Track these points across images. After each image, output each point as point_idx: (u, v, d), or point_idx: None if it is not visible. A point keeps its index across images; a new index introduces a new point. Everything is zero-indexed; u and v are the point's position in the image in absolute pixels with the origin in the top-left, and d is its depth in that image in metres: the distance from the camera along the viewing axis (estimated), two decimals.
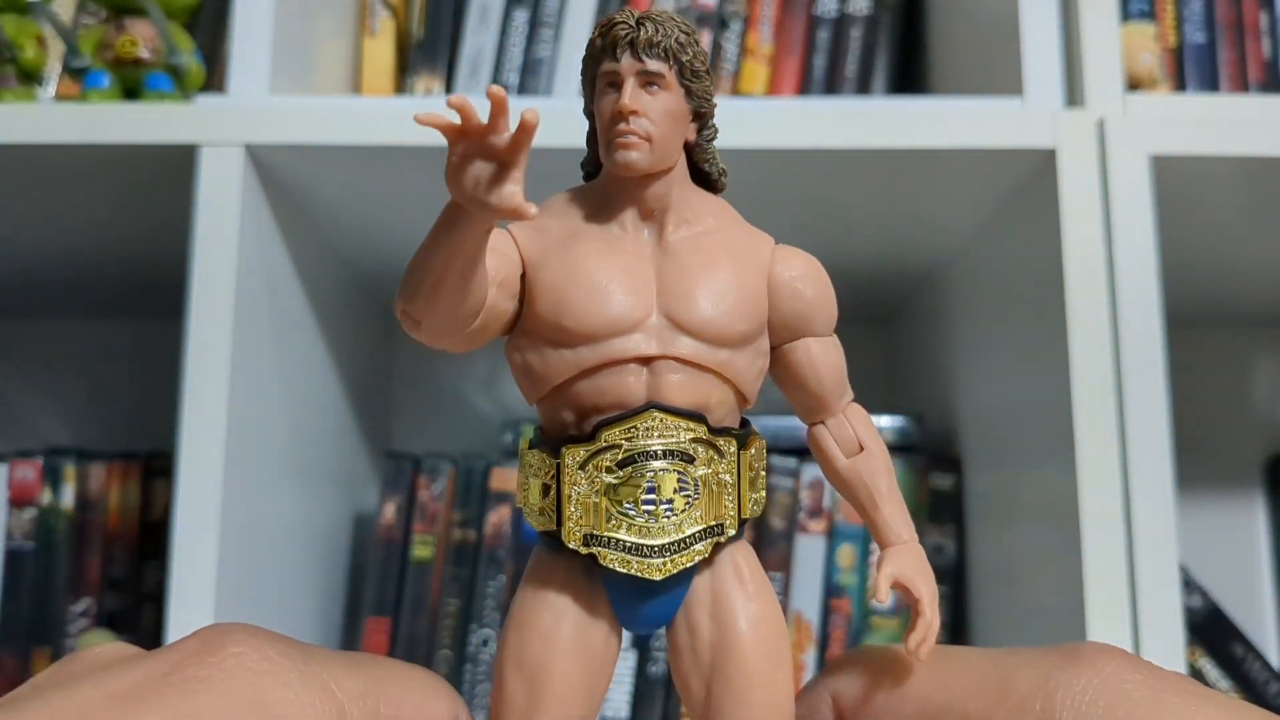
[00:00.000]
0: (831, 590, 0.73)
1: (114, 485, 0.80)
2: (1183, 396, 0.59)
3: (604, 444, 0.27)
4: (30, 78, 0.68)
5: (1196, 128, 0.58)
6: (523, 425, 0.78)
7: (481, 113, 0.23)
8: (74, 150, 0.59)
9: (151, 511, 0.82)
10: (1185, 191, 0.61)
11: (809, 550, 0.73)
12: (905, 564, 0.30)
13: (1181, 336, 0.64)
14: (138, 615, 0.80)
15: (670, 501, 0.27)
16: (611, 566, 0.27)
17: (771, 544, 0.73)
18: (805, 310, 0.30)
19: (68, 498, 0.79)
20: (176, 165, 0.59)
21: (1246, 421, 0.96)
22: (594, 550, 0.27)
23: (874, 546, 0.73)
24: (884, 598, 0.29)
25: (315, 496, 0.74)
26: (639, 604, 0.28)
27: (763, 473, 0.30)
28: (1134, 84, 0.69)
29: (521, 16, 0.81)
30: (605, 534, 0.27)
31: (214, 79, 0.73)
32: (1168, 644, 0.52)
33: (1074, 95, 0.60)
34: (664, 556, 0.27)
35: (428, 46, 0.82)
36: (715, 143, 0.31)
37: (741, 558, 0.29)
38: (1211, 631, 0.82)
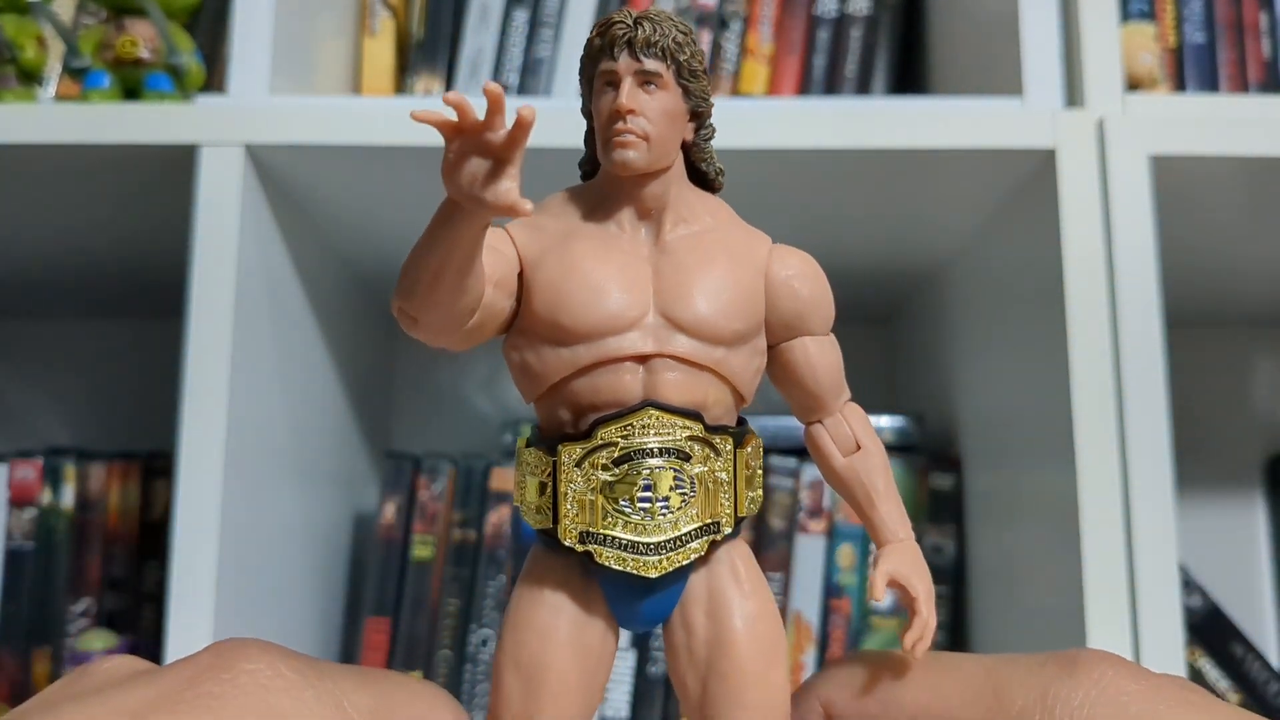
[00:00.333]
0: (831, 590, 0.73)
1: (114, 485, 0.80)
2: (1183, 396, 0.59)
3: (600, 441, 0.27)
4: (30, 78, 0.68)
5: (1196, 128, 0.58)
6: (522, 425, 0.78)
7: (478, 110, 0.23)
8: (74, 150, 0.59)
9: (151, 511, 0.82)
10: (1185, 191, 0.61)
11: (809, 550, 0.73)
12: (901, 562, 0.30)
13: (1181, 336, 0.64)
14: (138, 615, 0.80)
15: (666, 499, 0.27)
16: (607, 564, 0.27)
17: (771, 544, 0.73)
18: (802, 309, 0.30)
19: (68, 498, 0.79)
20: (176, 165, 0.59)
21: (1246, 421, 0.96)
22: (590, 548, 0.27)
23: (874, 546, 0.73)
24: (880, 596, 0.29)
25: (315, 496, 0.74)
26: (635, 602, 0.28)
27: (759, 471, 0.30)
28: (1134, 84, 0.69)
29: (521, 16, 0.81)
30: (601, 531, 0.27)
31: (214, 79, 0.73)
32: (1167, 644, 0.52)
33: (1074, 95, 0.60)
34: (659, 554, 0.27)
35: (428, 46, 0.82)
36: (713, 142, 0.31)
37: (738, 557, 0.29)
38: (1211, 631, 0.82)
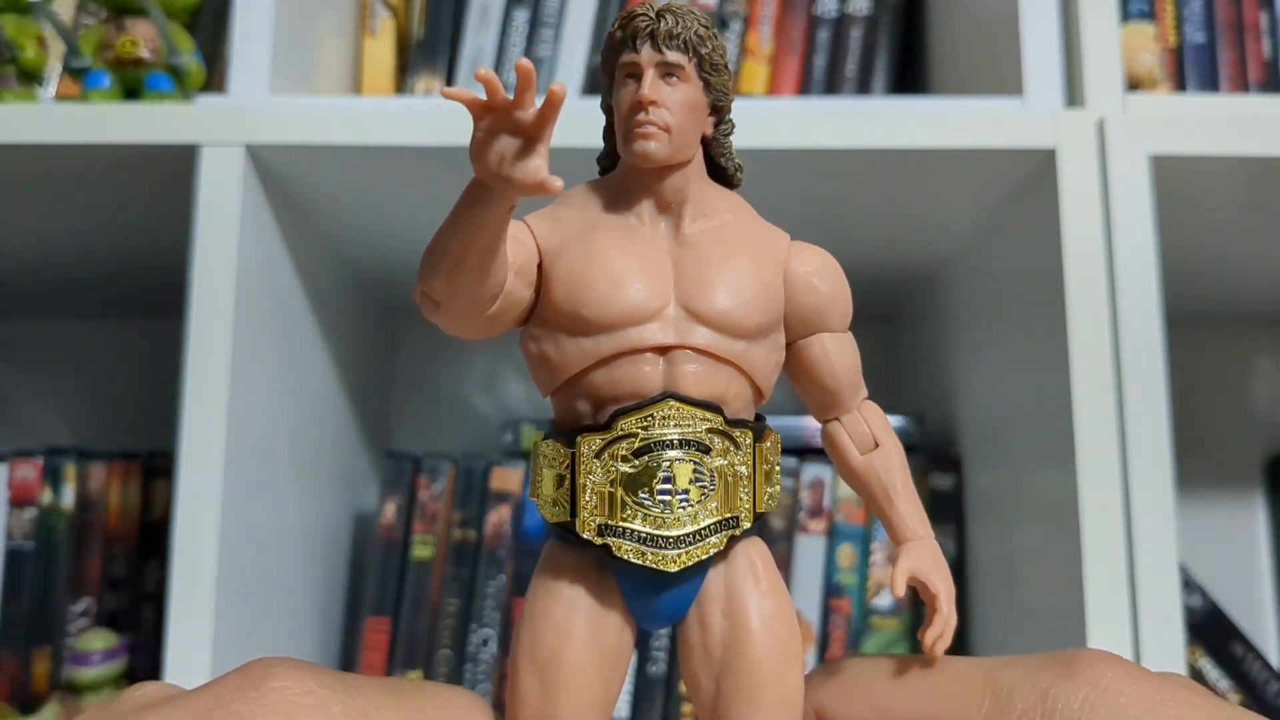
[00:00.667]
0: (831, 590, 0.73)
1: (114, 485, 0.80)
2: (1183, 396, 0.59)
3: (620, 433, 0.27)
4: (30, 78, 0.68)
5: (1196, 128, 0.58)
6: (522, 425, 0.78)
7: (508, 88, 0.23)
8: (74, 150, 0.59)
9: (151, 511, 0.82)
10: (1185, 191, 0.61)
11: (809, 550, 0.73)
12: (922, 559, 0.30)
13: (1181, 336, 0.64)
14: (138, 615, 0.80)
15: (686, 492, 0.27)
16: (626, 558, 0.27)
17: (771, 544, 0.73)
18: (821, 305, 0.30)
19: (68, 498, 0.79)
20: (176, 165, 0.59)
21: (1246, 421, 0.96)
22: (608, 540, 0.27)
23: (874, 547, 0.73)
24: (900, 591, 0.29)
25: (315, 496, 0.74)
26: (653, 597, 0.28)
27: (777, 467, 0.30)
28: (1134, 84, 0.69)
29: (521, 16, 0.81)
30: (620, 524, 0.27)
31: (214, 79, 0.73)
32: (1168, 644, 0.52)
33: (1074, 95, 0.60)
34: (679, 548, 0.27)
35: (428, 46, 0.82)
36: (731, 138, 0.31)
37: (757, 555, 0.29)
38: (1211, 631, 0.82)
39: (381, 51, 0.82)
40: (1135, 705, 0.25)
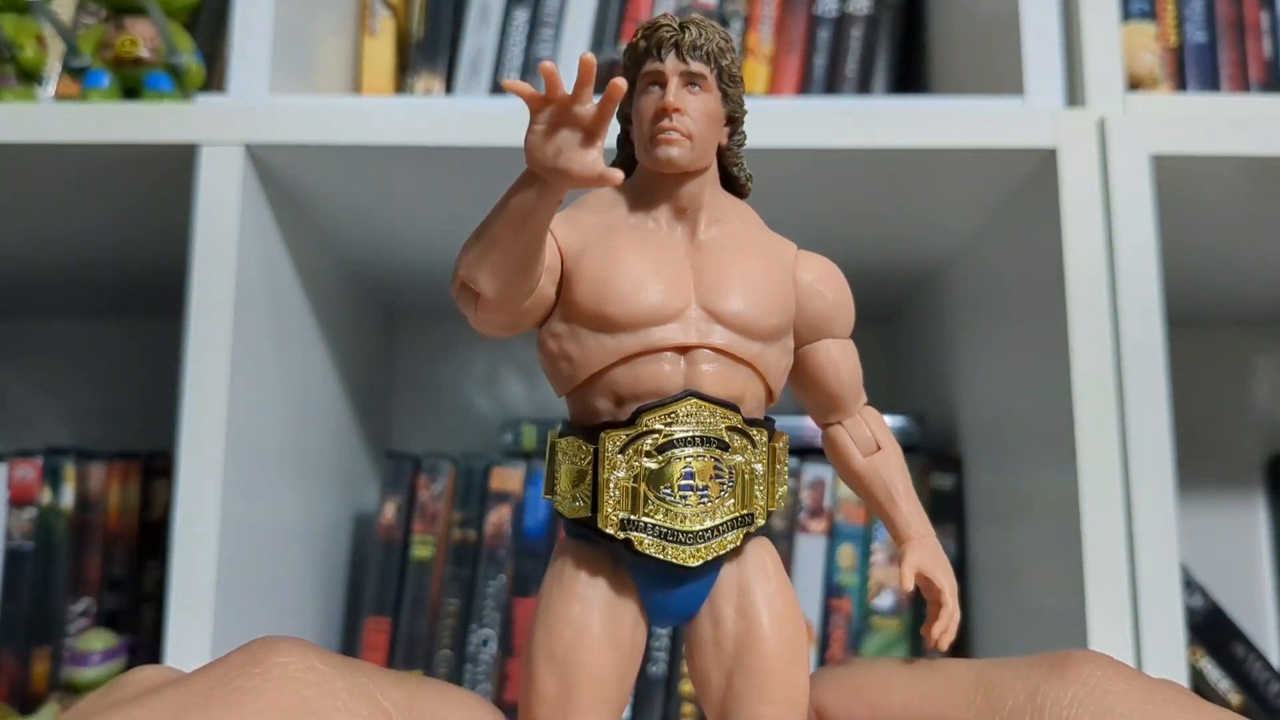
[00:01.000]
0: (832, 590, 0.73)
1: (114, 485, 0.80)
2: (1183, 396, 0.59)
3: (644, 429, 0.28)
4: (30, 77, 0.68)
5: (1197, 127, 0.58)
6: (522, 425, 0.78)
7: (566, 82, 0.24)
8: (74, 150, 0.59)
9: (151, 511, 0.82)
10: (1185, 191, 0.61)
11: (809, 550, 0.73)
12: (927, 557, 0.31)
13: (1181, 336, 0.64)
14: (138, 615, 0.80)
15: (706, 488, 0.28)
16: (647, 552, 0.28)
17: (772, 544, 0.73)
18: (827, 311, 0.31)
19: (68, 498, 0.79)
20: (176, 165, 0.59)
21: (1246, 421, 0.96)
22: (630, 535, 0.28)
23: (875, 547, 0.73)
24: (909, 586, 0.30)
25: (315, 496, 0.74)
26: (669, 593, 0.29)
27: (786, 467, 0.31)
28: (1134, 84, 0.69)
29: (521, 16, 0.81)
30: (642, 519, 0.28)
31: (214, 79, 0.73)
32: (1168, 644, 0.52)
33: (1074, 95, 0.60)
34: (698, 543, 0.28)
35: (428, 46, 0.82)
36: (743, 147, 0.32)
37: (766, 552, 0.30)
38: (1212, 631, 0.82)
39: (381, 51, 0.82)
40: (1123, 703, 0.25)
